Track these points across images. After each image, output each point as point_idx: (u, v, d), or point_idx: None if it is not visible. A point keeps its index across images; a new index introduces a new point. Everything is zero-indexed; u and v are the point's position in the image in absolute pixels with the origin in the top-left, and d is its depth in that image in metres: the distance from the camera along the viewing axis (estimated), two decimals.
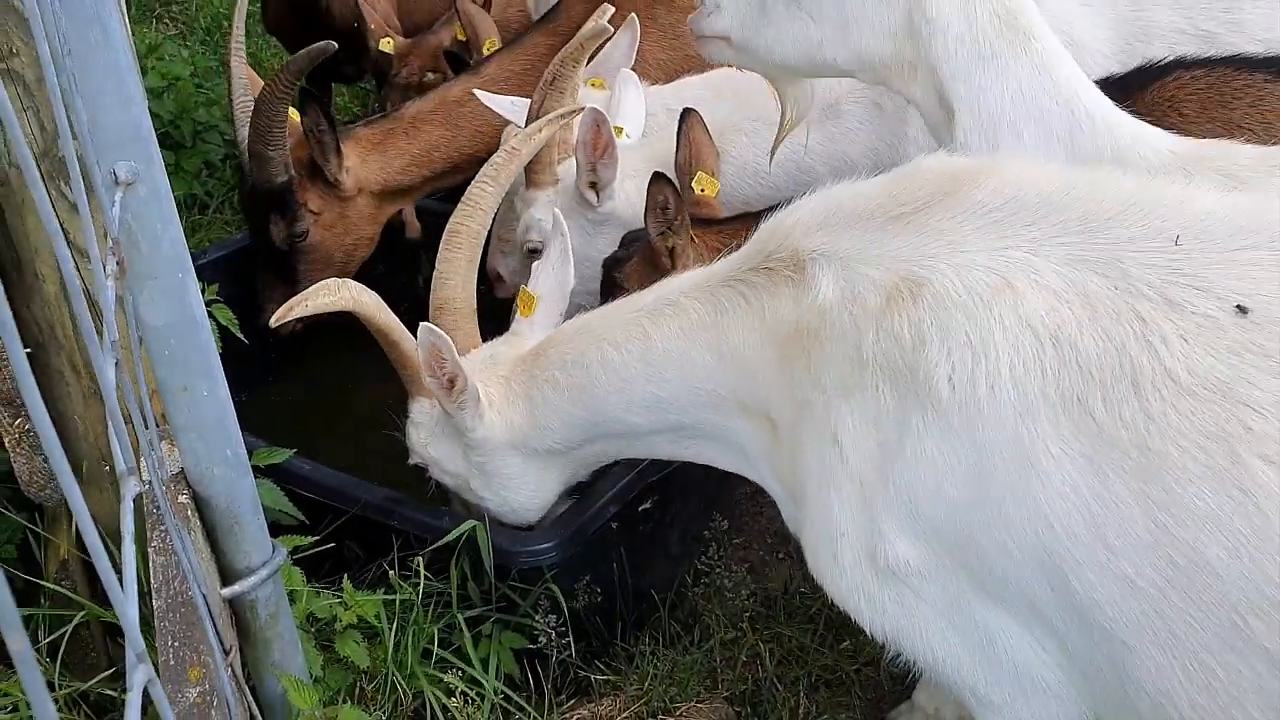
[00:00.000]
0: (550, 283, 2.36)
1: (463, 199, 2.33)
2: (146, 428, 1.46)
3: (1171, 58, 2.40)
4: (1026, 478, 1.41)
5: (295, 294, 3.25)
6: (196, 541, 1.66)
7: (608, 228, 2.83)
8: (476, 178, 2.36)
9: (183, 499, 1.69)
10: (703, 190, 2.64)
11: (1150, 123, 2.22)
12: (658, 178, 2.47)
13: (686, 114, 2.70)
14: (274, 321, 2.18)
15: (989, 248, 1.50)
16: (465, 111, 3.34)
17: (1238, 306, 1.35)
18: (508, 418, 2.15)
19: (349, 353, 3.14)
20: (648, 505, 2.52)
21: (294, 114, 3.19)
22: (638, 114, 3.01)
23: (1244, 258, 1.39)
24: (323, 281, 2.27)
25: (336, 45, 3.12)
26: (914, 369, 1.48)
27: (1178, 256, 1.41)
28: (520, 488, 2.24)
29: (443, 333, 2.08)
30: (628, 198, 2.83)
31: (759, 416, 1.79)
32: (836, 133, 2.83)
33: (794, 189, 2.85)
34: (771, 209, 2.45)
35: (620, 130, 2.92)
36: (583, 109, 2.65)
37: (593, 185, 2.80)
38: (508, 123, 3.13)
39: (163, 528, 1.62)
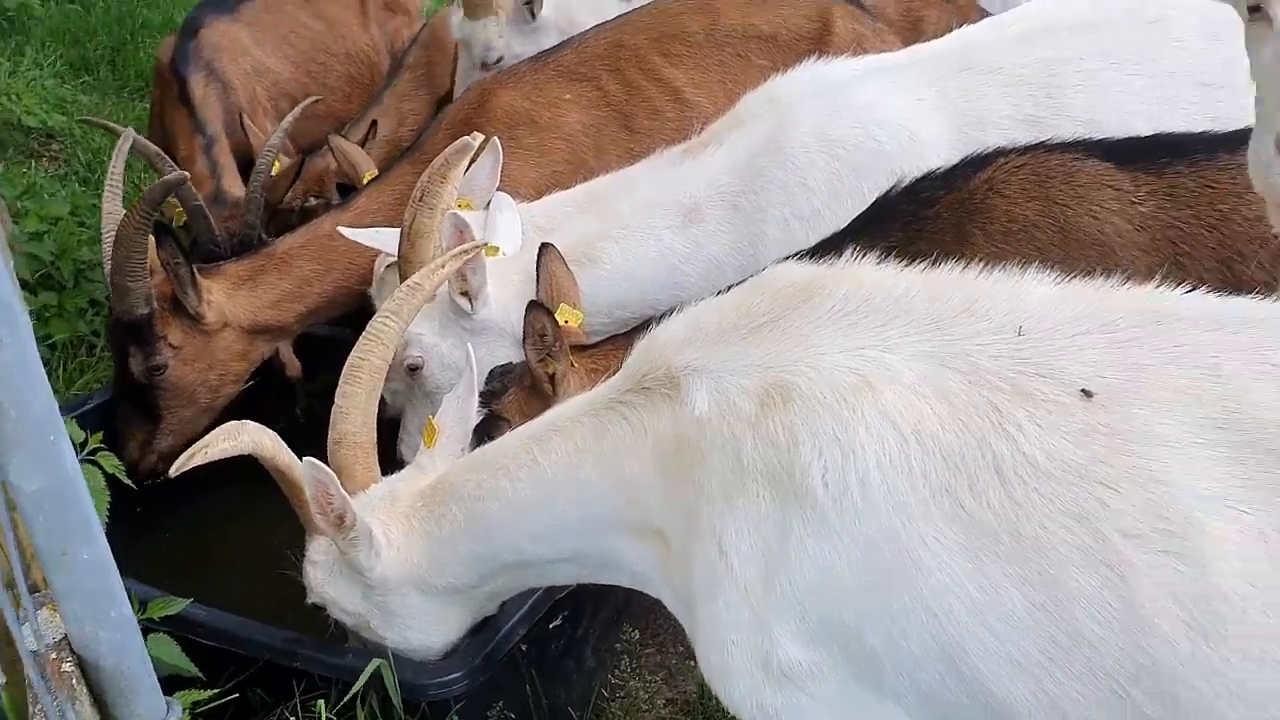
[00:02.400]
0: (454, 415, 2.36)
1: (364, 333, 2.33)
2: (22, 599, 1.42)
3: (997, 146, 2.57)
4: (906, 569, 1.46)
5: (156, 430, 3.27)
6: (83, 711, 1.61)
7: (486, 336, 2.89)
8: (379, 312, 2.36)
9: (67, 667, 1.64)
10: (566, 322, 2.67)
11: (974, 207, 2.38)
12: (534, 306, 2.52)
13: (544, 249, 2.75)
14: (174, 471, 2.15)
15: (846, 348, 1.57)
16: (337, 245, 3.34)
17: (1083, 390, 1.43)
18: (407, 555, 2.12)
19: (242, 490, 3.08)
20: (558, 622, 2.51)
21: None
22: (513, 234, 3.08)
23: (1082, 342, 1.48)
24: (222, 426, 2.24)
25: (188, 175, 3.13)
26: (790, 471, 1.53)
27: (1023, 346, 1.50)
28: (422, 627, 2.21)
29: (326, 468, 2.06)
30: (504, 306, 2.89)
31: (649, 534, 1.81)
32: (700, 236, 2.95)
33: (664, 291, 2.95)
34: (641, 328, 2.52)
35: (496, 250, 2.97)
36: (485, 244, 2.70)
37: (464, 294, 2.85)
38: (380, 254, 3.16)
39: (40, 706, 1.57)
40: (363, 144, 3.96)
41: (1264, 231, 2.17)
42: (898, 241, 2.43)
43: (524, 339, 2.54)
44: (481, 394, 2.62)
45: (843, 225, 2.66)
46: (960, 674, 1.45)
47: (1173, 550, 1.35)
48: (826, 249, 2.39)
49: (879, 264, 1.70)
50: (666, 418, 1.70)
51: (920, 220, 2.54)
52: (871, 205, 2.68)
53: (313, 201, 4.03)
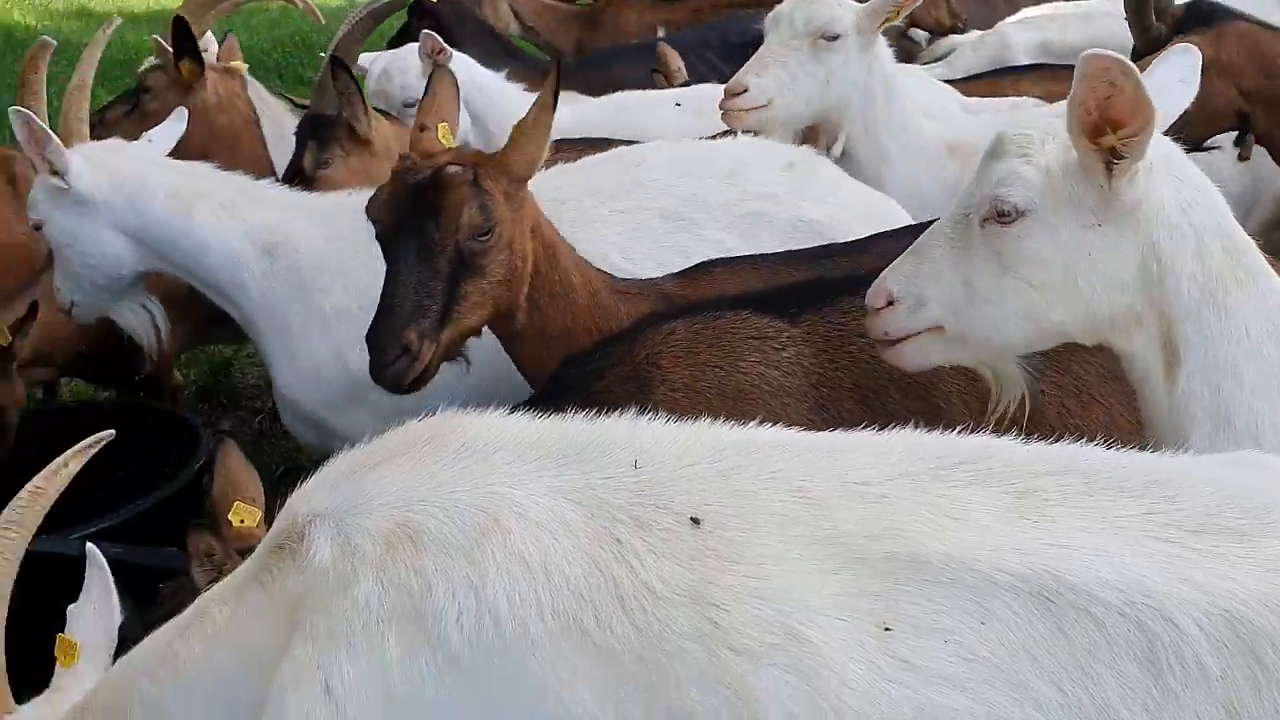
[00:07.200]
0: (92, 623, 2.14)
1: None
2: None
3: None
4: (544, 705, 1.47)
5: None
6: None
7: (90, 211, 3.27)
8: None
9: None
10: (243, 521, 2.54)
11: (639, 380, 2.50)
12: (194, 528, 2.40)
13: (220, 445, 2.67)
14: None
15: (474, 485, 1.59)
16: None
17: (692, 518, 1.51)
18: None
19: None
20: None
21: None
22: (172, 133, 3.72)
23: (690, 473, 1.57)
24: None
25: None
26: (423, 614, 1.52)
27: (639, 479, 1.57)
28: None
29: None
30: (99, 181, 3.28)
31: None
32: None
33: None
34: None
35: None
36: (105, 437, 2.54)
37: (55, 173, 3.24)
38: None
39: None
40: (21, 325, 3.74)
41: (891, 367, 2.37)
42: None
43: (188, 563, 2.39)
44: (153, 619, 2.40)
45: None
46: None
47: (779, 663, 1.41)
48: None
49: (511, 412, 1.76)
50: (293, 573, 1.65)
51: (594, 393, 2.62)
52: (551, 378, 2.76)
53: None
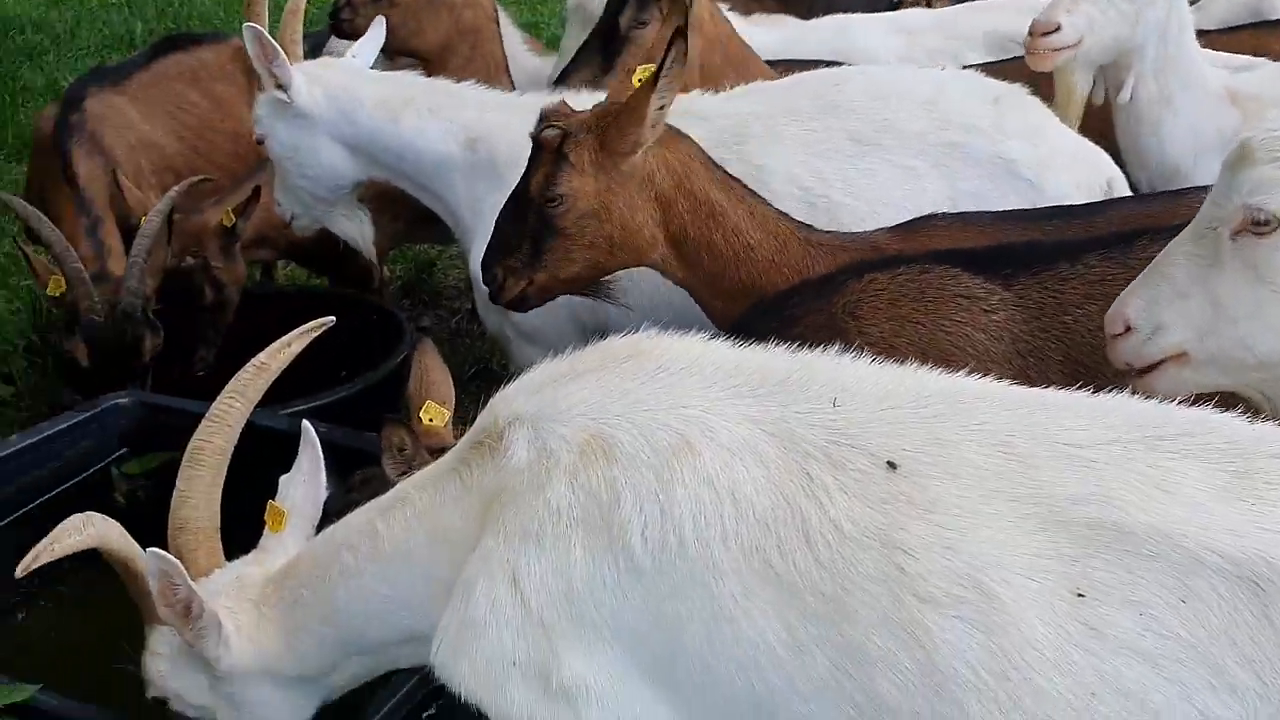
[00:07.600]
0: (301, 494, 2.28)
1: (208, 415, 2.26)
2: None
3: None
4: (720, 626, 1.50)
5: None
6: None
7: (309, 124, 3.47)
8: (223, 394, 2.31)
9: None
10: (431, 420, 2.62)
11: (834, 329, 2.38)
12: (389, 421, 2.49)
13: (419, 344, 2.77)
14: (20, 571, 2.04)
15: (668, 405, 1.62)
16: None
17: (888, 462, 1.50)
18: (258, 644, 2.03)
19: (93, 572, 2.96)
20: (432, 711, 2.40)
21: None
22: (372, 46, 3.80)
23: (890, 416, 1.55)
24: (69, 519, 2.15)
25: None
26: (609, 524, 1.57)
27: (836, 417, 1.56)
28: (274, 717, 2.11)
29: (171, 557, 1.97)
30: (318, 96, 3.46)
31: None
32: None
33: None
34: None
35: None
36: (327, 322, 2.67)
37: (280, 86, 3.41)
38: None
39: None
40: (245, 207, 3.97)
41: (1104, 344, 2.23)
42: None
43: (381, 457, 2.50)
44: (346, 503, 2.53)
45: None
46: None
47: (965, 616, 1.39)
48: None
49: (710, 338, 1.77)
50: (491, 471, 1.72)
51: (786, 340, 2.55)
52: (742, 319, 2.67)
53: (189, 260, 3.98)
